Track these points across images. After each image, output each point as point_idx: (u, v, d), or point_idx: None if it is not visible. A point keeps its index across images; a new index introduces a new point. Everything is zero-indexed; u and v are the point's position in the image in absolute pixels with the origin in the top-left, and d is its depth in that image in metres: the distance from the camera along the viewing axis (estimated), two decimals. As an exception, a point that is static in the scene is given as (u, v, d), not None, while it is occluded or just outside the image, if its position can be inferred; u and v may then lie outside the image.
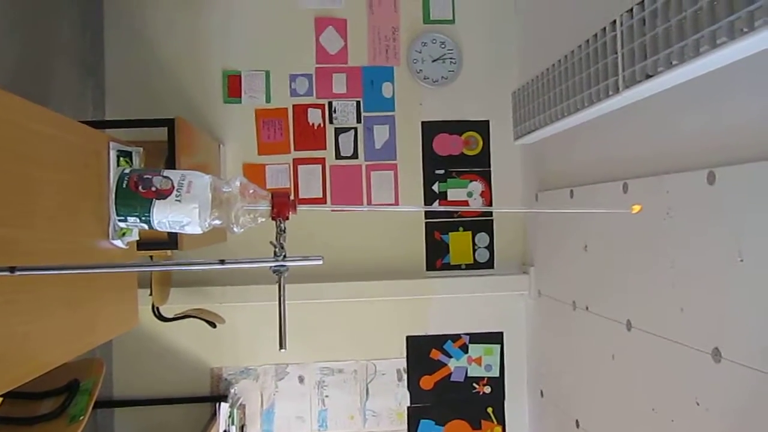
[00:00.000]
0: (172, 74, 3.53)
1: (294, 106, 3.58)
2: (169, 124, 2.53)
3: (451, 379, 3.64)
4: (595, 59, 2.33)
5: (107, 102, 3.50)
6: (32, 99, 1.22)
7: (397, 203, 3.64)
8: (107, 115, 3.48)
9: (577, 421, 2.88)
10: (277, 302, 1.11)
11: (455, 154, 3.65)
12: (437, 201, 3.63)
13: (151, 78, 3.52)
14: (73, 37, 3.27)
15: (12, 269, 1.02)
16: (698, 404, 1.89)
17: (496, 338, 3.67)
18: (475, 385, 3.66)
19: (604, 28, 2.25)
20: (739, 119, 1.77)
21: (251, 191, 1.21)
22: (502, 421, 3.67)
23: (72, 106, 3.22)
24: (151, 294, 2.94)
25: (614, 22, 2.17)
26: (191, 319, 3.18)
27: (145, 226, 1.30)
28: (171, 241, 2.47)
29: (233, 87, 3.55)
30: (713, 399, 1.83)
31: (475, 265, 3.65)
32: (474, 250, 3.65)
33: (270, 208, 1.18)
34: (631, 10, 2.05)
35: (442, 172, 3.64)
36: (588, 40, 2.39)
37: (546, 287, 3.31)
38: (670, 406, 2.07)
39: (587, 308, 2.72)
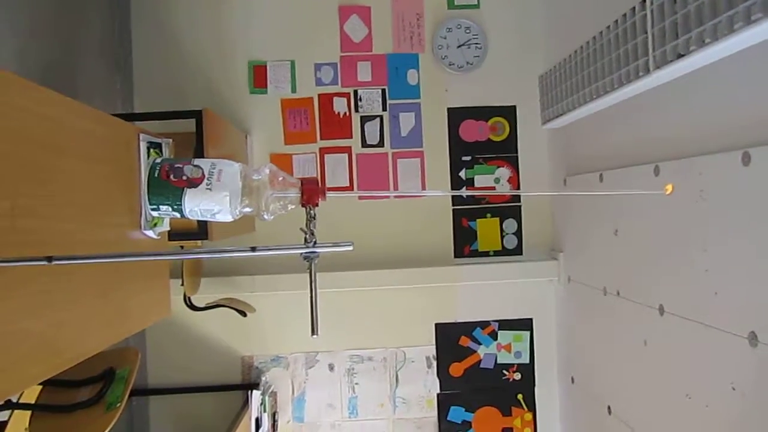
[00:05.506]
0: (198, 66, 3.56)
1: (319, 95, 3.58)
2: (197, 115, 2.55)
3: (481, 366, 3.64)
4: (625, 40, 2.28)
5: (135, 95, 3.55)
6: (63, 93, 1.24)
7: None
8: (135, 108, 3.52)
9: (609, 407, 2.86)
10: (308, 289, 1.12)
11: (482, 140, 3.63)
12: (464, 188, 3.61)
13: (177, 71, 3.55)
14: (102, 33, 3.31)
15: (49, 259, 1.04)
16: (734, 389, 1.86)
17: (525, 325, 3.65)
18: (504, 371, 3.65)
19: (634, 8, 2.21)
20: (775, 97, 1.72)
21: (281, 179, 1.22)
22: (532, 408, 3.66)
23: (101, 100, 3.26)
24: (182, 284, 2.98)
25: (644, 0, 2.13)
26: (222, 308, 3.22)
27: (177, 215, 1.31)
28: (201, 231, 2.50)
29: (259, 77, 3.57)
30: (750, 383, 1.80)
31: (504, 252, 3.63)
32: (502, 237, 3.63)
33: (300, 194, 1.19)
34: (662, -12, 2.01)
35: (468, 158, 3.62)
36: (617, 20, 2.35)
37: (576, 273, 3.28)
38: (704, 392, 2.04)
39: (618, 293, 2.69)
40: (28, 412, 1.95)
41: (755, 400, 1.78)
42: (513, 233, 3.64)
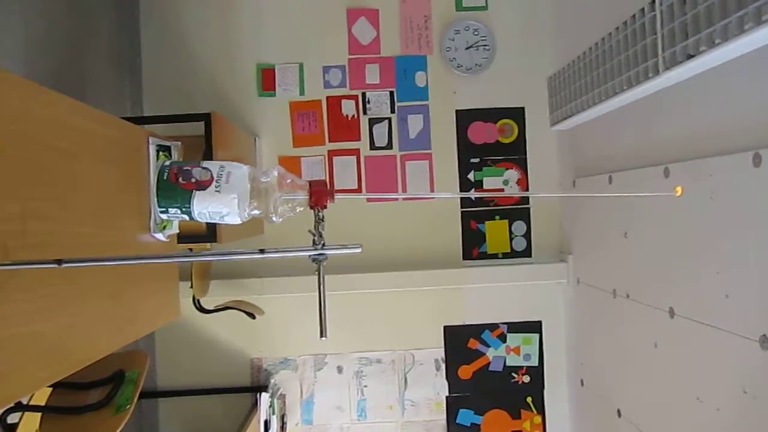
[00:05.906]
0: (207, 69, 3.57)
1: (328, 97, 3.59)
2: (206, 118, 2.56)
3: (490, 369, 3.63)
4: (634, 41, 2.27)
5: (144, 98, 3.56)
6: (72, 97, 1.25)
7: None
8: (145, 111, 3.54)
9: (618, 410, 2.84)
10: (317, 291, 1.12)
11: (490, 142, 3.62)
12: (473, 190, 3.60)
13: (186, 74, 3.56)
14: (111, 36, 3.33)
15: (59, 262, 1.04)
16: (746, 392, 1.84)
17: (534, 327, 3.63)
18: (513, 374, 3.63)
19: (643, 9, 2.20)
20: (787, 98, 1.71)
21: (289, 181, 1.22)
22: (541, 411, 3.64)
23: (110, 104, 3.28)
24: (191, 286, 2.99)
25: (653, 1, 2.12)
26: (231, 310, 3.22)
27: (186, 217, 1.32)
28: (210, 233, 2.50)
29: (267, 80, 3.58)
30: (762, 387, 1.79)
31: (513, 254, 3.62)
32: (511, 239, 3.62)
33: (308, 197, 1.19)
34: (671, -11, 2.00)
35: (477, 160, 3.61)
36: (626, 21, 2.34)
37: (585, 275, 3.26)
38: (715, 395, 2.02)
39: (628, 296, 2.68)
40: (39, 414, 1.96)
41: (767, 404, 1.76)
42: (522, 235, 3.63)
